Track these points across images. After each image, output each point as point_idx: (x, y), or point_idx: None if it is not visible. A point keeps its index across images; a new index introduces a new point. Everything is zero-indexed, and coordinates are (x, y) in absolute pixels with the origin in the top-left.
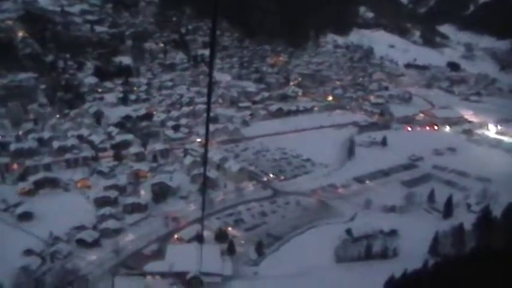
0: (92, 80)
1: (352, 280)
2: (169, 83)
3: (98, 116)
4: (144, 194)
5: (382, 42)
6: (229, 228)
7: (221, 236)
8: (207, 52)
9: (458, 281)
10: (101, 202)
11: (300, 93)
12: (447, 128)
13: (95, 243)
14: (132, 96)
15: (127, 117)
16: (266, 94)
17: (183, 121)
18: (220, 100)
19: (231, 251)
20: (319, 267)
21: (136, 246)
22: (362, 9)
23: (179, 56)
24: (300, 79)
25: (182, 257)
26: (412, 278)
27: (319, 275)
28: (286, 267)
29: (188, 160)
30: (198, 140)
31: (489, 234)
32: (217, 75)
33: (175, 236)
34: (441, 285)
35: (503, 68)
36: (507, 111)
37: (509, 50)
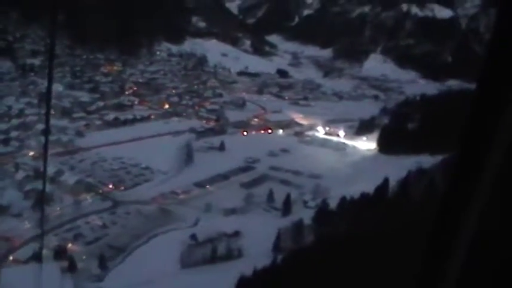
0: None
1: (199, 284)
2: None
3: None
4: None
5: (215, 50)
6: (69, 244)
7: (60, 253)
8: (36, 61)
9: (307, 269)
10: None
11: (136, 102)
12: (280, 131)
13: None
14: None
15: None
16: (101, 104)
17: (13, 134)
18: (52, 111)
19: (72, 268)
20: (164, 274)
21: None
22: (195, 18)
23: (6, 65)
24: (135, 88)
25: (19, 280)
26: (262, 274)
27: (165, 282)
28: (132, 279)
29: (20, 175)
30: (31, 153)
31: (328, 225)
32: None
33: (10, 257)
34: (290, 276)
35: (326, 74)
36: (332, 113)
37: (331, 58)
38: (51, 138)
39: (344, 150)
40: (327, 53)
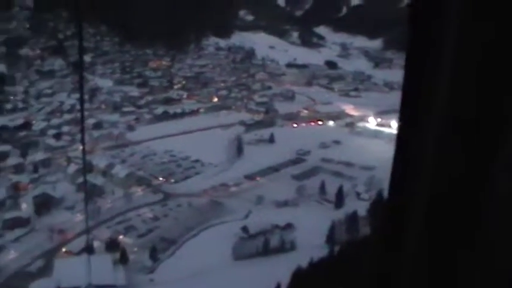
0: None
1: (252, 275)
2: (49, 91)
3: None
4: (26, 207)
5: (262, 43)
6: (121, 236)
7: (112, 245)
8: (87, 58)
9: (362, 262)
10: None
11: (184, 96)
12: (330, 123)
13: None
14: (8, 106)
15: (3, 128)
16: (150, 98)
17: (65, 129)
18: (103, 106)
19: (123, 259)
20: (217, 266)
21: (20, 264)
22: (242, 12)
23: (58, 63)
24: (183, 82)
25: (71, 271)
26: (318, 265)
27: (218, 274)
28: (183, 271)
29: (72, 169)
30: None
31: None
32: (99, 81)
33: (63, 249)
34: (347, 268)
35: (376, 65)
36: (384, 104)
37: (381, 48)
38: (103, 132)
39: None
40: (376, 43)
